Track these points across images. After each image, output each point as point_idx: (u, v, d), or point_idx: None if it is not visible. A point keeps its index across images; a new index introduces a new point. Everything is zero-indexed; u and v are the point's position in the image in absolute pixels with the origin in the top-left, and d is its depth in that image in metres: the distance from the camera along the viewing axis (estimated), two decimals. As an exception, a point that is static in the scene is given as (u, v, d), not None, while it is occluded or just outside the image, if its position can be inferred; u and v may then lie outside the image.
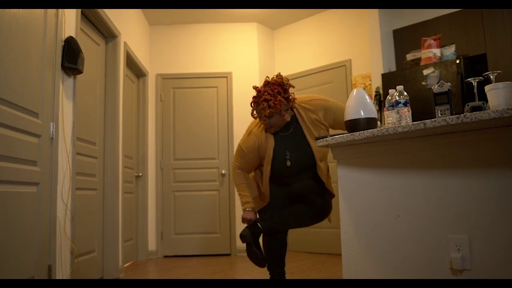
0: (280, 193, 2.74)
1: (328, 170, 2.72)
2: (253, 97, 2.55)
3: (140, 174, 4.97)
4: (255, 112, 2.58)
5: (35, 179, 2.46)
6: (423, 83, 3.92)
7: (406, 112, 1.93)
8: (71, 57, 2.86)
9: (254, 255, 2.66)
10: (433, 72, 3.87)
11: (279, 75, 2.57)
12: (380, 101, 4.31)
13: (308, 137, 2.59)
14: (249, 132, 2.71)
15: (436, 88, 1.85)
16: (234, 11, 5.19)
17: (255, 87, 2.57)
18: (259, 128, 2.67)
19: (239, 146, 2.73)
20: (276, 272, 2.72)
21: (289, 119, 2.57)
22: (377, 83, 4.38)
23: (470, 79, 1.91)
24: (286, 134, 2.63)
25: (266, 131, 2.64)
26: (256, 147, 2.64)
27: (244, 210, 2.68)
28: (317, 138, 2.12)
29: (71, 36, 2.91)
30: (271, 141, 2.62)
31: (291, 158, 2.61)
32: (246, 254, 5.07)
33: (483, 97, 3.21)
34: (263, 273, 3.74)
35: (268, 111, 2.47)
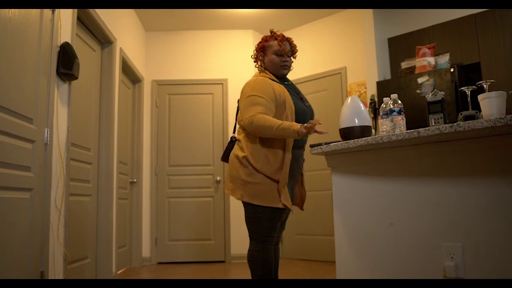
0: (292, 168, 2.29)
1: None
2: (283, 36, 2.47)
3: (135, 180, 4.95)
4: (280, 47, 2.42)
5: (28, 184, 2.45)
6: (418, 91, 3.94)
7: (400, 120, 1.94)
8: (66, 62, 2.85)
9: None
10: (428, 80, 3.90)
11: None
12: (375, 108, 4.33)
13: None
14: (255, 80, 2.29)
15: (429, 97, 1.86)
16: (230, 18, 5.21)
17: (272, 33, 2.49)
18: (266, 77, 2.37)
19: (250, 96, 2.21)
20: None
21: None
22: (372, 90, 4.40)
23: (464, 88, 1.93)
24: (288, 83, 2.54)
25: (281, 74, 2.45)
26: (272, 91, 2.24)
27: (298, 130, 2.03)
28: (312, 146, 2.12)
29: (67, 42, 2.91)
30: (282, 87, 2.33)
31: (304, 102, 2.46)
32: (239, 261, 5.06)
33: (477, 106, 3.25)
34: (257, 281, 3.73)
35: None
